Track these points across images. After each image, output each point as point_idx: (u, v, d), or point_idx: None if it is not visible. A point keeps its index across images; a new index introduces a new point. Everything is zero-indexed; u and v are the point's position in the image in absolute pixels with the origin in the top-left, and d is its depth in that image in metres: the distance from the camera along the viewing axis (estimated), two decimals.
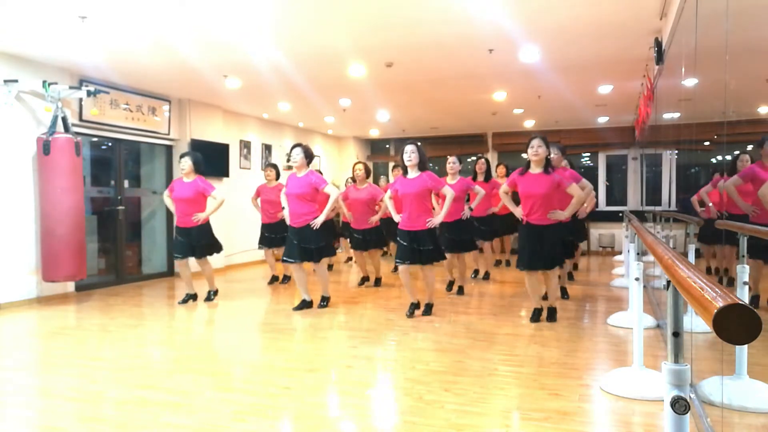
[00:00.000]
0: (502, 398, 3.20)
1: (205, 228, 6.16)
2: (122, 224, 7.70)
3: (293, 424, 2.87)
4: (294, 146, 5.67)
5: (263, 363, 4.01)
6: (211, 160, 8.88)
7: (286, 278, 7.65)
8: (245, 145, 10.08)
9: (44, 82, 6.23)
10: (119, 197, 7.66)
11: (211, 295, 6.34)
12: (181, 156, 6.22)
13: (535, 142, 4.88)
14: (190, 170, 6.07)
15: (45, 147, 6.11)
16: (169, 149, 8.51)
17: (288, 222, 5.66)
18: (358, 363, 3.95)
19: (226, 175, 9.21)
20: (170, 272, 8.52)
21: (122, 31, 5.18)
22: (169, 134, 8.32)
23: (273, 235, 7.33)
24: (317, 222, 5.52)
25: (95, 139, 7.54)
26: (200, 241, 6.10)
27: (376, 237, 7.03)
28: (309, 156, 5.64)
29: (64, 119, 6.31)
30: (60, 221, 6.15)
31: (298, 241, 5.55)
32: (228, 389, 3.43)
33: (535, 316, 5.07)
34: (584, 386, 3.40)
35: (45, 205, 6.17)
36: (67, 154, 6.17)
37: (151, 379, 3.59)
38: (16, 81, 6.04)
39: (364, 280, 7.32)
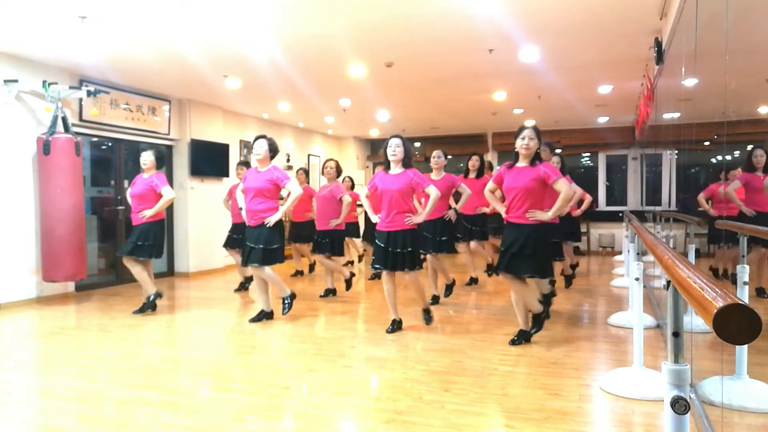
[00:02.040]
0: (502, 398, 3.20)
1: (152, 227, 5.60)
2: (122, 224, 7.70)
3: (293, 424, 2.87)
4: (257, 138, 5.20)
5: (263, 363, 4.01)
6: (211, 160, 8.92)
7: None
8: (245, 145, 10.09)
9: (44, 82, 6.23)
10: (119, 197, 7.67)
11: (151, 299, 5.68)
12: (143, 150, 5.79)
13: (527, 133, 4.18)
14: (152, 165, 5.66)
15: (45, 147, 6.11)
16: (169, 149, 8.51)
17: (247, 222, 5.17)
18: (358, 363, 3.95)
19: (226, 175, 9.21)
20: (170, 272, 8.53)
21: (122, 31, 5.18)
22: (169, 134, 8.32)
23: (240, 236, 6.39)
24: (272, 220, 5.03)
25: (95, 139, 7.54)
26: (144, 241, 5.54)
27: (339, 241, 6.42)
28: (273, 150, 5.18)
29: (64, 119, 6.31)
30: (60, 221, 6.15)
31: (254, 243, 5.07)
32: (228, 389, 3.43)
33: (520, 338, 4.36)
34: (584, 386, 3.40)
35: (45, 205, 6.17)
36: (67, 154, 6.17)
37: (151, 379, 3.59)
38: (16, 81, 6.04)
39: (329, 292, 6.56)
